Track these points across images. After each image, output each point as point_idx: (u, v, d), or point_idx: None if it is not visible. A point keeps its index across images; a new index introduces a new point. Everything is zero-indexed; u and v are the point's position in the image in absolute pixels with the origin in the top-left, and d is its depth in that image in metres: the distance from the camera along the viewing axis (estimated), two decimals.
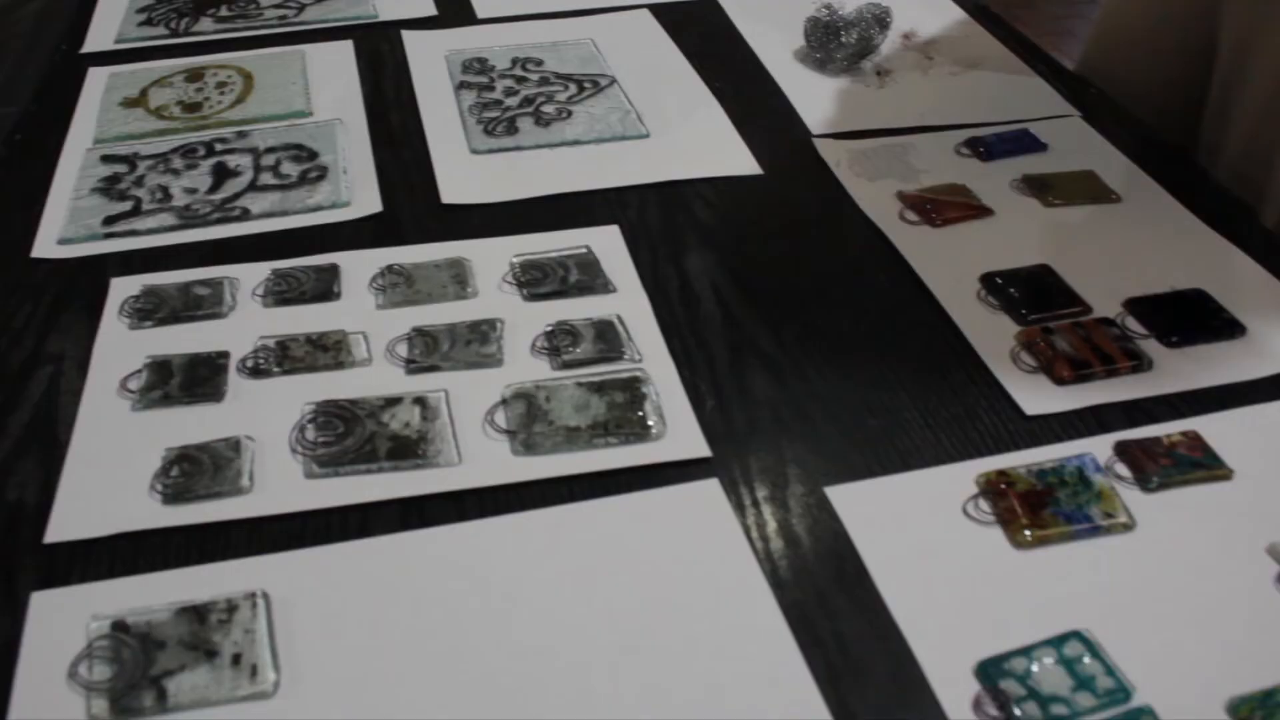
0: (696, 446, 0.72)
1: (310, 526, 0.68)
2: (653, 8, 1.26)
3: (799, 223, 0.93)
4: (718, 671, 0.59)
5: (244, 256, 0.89)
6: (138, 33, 1.25)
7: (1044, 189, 0.95)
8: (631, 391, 0.75)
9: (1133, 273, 0.86)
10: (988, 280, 0.85)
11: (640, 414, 0.73)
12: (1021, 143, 1.01)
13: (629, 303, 0.83)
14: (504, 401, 0.74)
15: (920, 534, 0.67)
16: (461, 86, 1.10)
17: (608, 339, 0.79)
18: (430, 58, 1.16)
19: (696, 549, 0.66)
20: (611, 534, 0.67)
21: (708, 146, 1.01)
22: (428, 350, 0.78)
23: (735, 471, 0.71)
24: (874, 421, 0.75)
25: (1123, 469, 0.70)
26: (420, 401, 0.74)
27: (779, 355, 0.80)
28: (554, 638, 0.61)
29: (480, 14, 1.25)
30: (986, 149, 1.01)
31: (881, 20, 1.14)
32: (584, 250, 0.87)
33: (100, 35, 1.26)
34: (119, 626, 0.62)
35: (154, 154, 1.02)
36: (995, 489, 0.68)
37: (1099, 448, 0.71)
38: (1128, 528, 0.66)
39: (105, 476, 0.71)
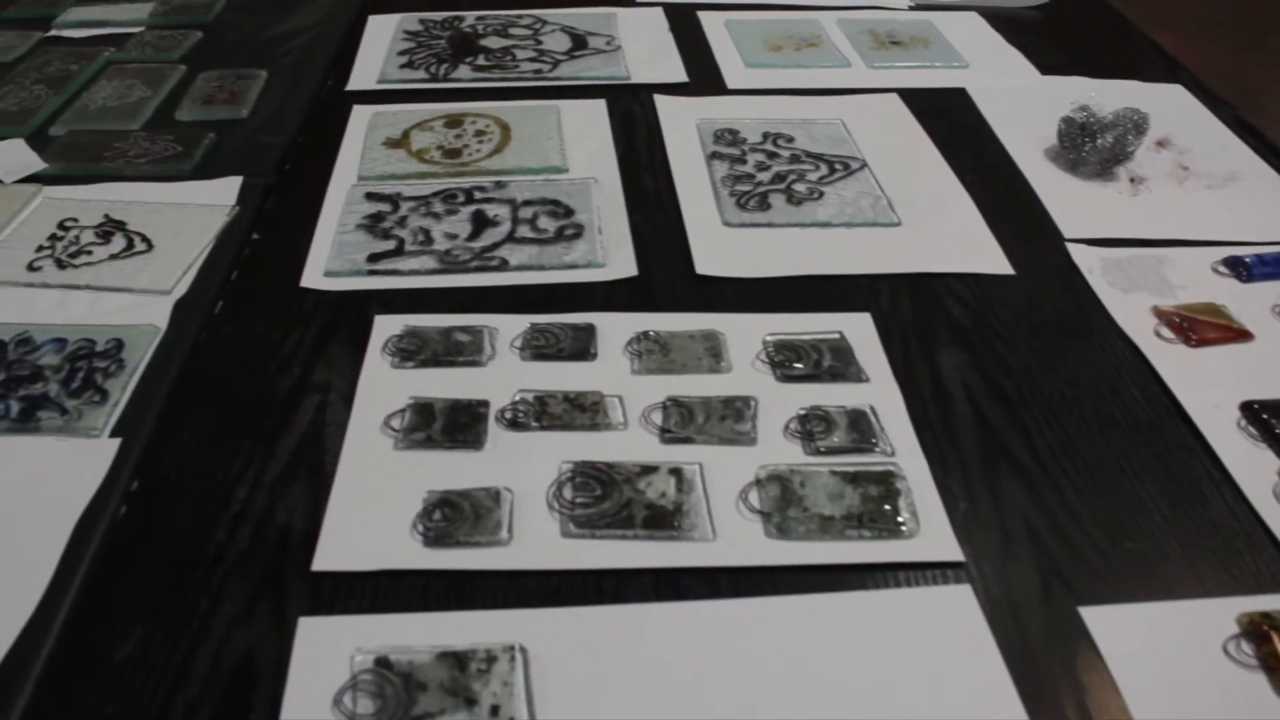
0: (949, 549, 0.72)
1: (566, 585, 0.69)
2: (902, 93, 1.25)
3: (1051, 327, 0.92)
4: None
5: (500, 306, 0.91)
6: (399, 74, 1.29)
7: None
8: (886, 486, 0.75)
9: None
10: (1248, 409, 0.83)
11: (894, 510, 0.73)
12: None
13: (881, 393, 0.83)
14: (758, 482, 0.75)
15: (1178, 667, 0.65)
16: (714, 157, 1.11)
17: (861, 429, 0.79)
18: (682, 124, 1.17)
19: (946, 654, 0.65)
20: (861, 628, 0.67)
21: (959, 241, 1.00)
22: (683, 421, 0.79)
23: (988, 579, 0.70)
24: (1130, 544, 0.73)
25: None
26: (676, 473, 0.75)
27: (1032, 464, 0.79)
28: None
29: (730, 84, 1.27)
30: (1245, 269, 0.98)
31: (1139, 126, 1.13)
32: (837, 336, 0.87)
33: (364, 74, 1.30)
34: (382, 663, 0.63)
35: (416, 196, 1.05)
36: (1259, 631, 0.66)
37: None
38: None
39: (368, 511, 0.73)
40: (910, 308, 0.92)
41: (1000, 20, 1.46)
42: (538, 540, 0.71)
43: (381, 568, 0.69)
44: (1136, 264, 0.99)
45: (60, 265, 0.99)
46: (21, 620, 0.68)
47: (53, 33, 1.48)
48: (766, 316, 0.90)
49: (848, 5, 1.49)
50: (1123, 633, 0.67)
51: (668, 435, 0.78)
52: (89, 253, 1.01)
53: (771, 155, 1.12)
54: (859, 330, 0.89)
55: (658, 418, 0.80)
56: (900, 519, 0.73)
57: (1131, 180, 1.12)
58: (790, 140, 1.14)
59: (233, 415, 0.82)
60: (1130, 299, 0.94)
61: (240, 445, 0.79)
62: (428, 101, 1.24)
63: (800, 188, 1.06)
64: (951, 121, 1.22)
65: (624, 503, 0.73)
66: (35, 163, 1.15)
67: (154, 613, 0.68)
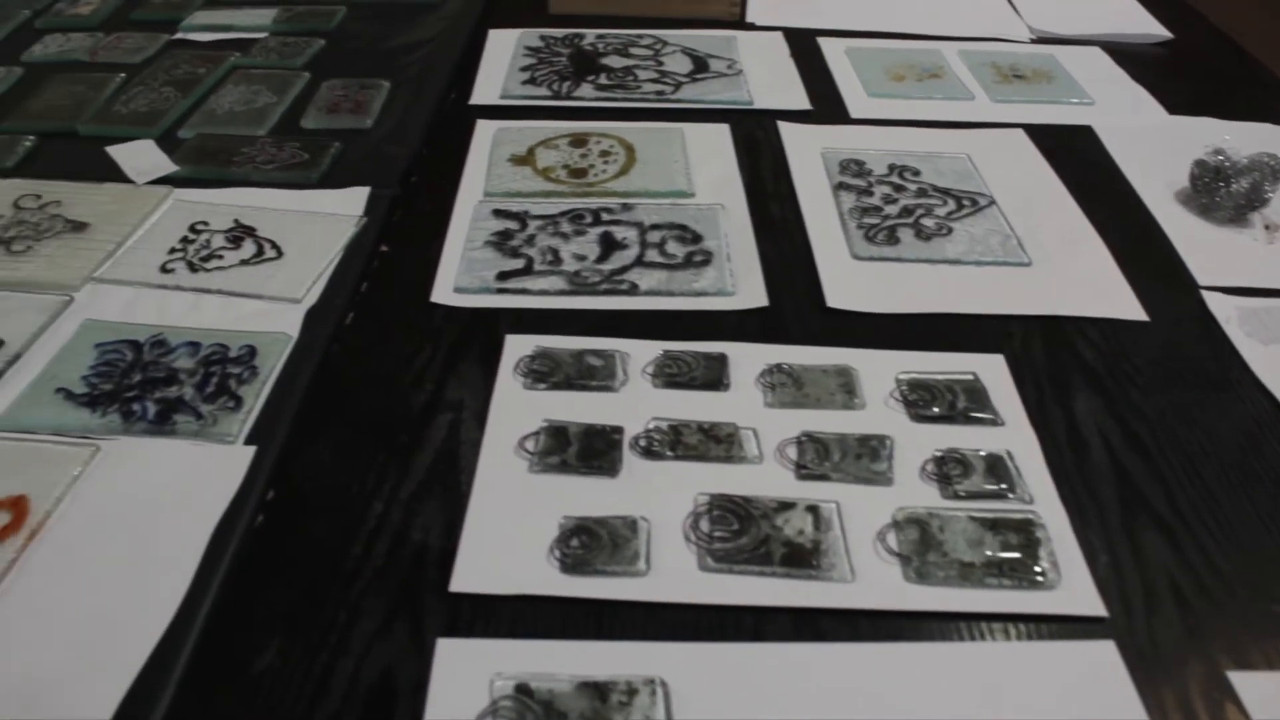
0: (1091, 604, 0.70)
1: (704, 620, 0.69)
2: (1026, 128, 1.24)
3: (1187, 377, 0.90)
4: None
5: (630, 331, 0.91)
6: (521, 90, 1.30)
7: None
8: (1026, 534, 0.74)
9: None
10: None
11: (1034, 559, 0.72)
12: None
13: (1017, 438, 0.82)
14: (896, 524, 0.74)
15: None
16: (840, 187, 1.10)
17: (998, 474, 0.78)
18: (807, 152, 1.17)
19: (1089, 712, 0.64)
20: (1002, 680, 0.66)
21: (1091, 284, 0.99)
22: (818, 458, 0.78)
23: (1131, 637, 0.68)
24: (1278, 608, 0.71)
25: None
26: (813, 510, 0.75)
27: (1173, 519, 0.77)
28: None
29: (853, 114, 1.26)
30: None
31: (1276, 172, 1.10)
32: (970, 377, 0.86)
33: (486, 89, 1.31)
34: (523, 690, 0.63)
35: (543, 215, 1.05)
36: None
37: None
38: None
39: (504, 534, 0.73)
40: (1042, 351, 0.91)
41: (1124, 56, 1.44)
42: (675, 572, 0.70)
43: (519, 592, 0.69)
44: (1275, 315, 0.97)
45: (192, 268, 1.00)
46: (161, 626, 0.68)
47: (179, 35, 1.50)
48: (898, 354, 0.89)
49: (968, 36, 1.46)
50: (1275, 701, 0.65)
51: (803, 471, 0.78)
52: (220, 257, 1.02)
53: (898, 188, 1.11)
54: (992, 372, 0.87)
55: (792, 453, 0.79)
56: (1041, 569, 0.71)
57: (1266, 227, 1.10)
58: (916, 173, 1.13)
59: (366, 428, 0.82)
60: (1270, 351, 0.92)
61: (374, 459, 0.79)
62: (549, 118, 1.24)
63: (929, 223, 1.05)
64: (1078, 159, 1.20)
65: (762, 538, 0.72)
66: (166, 165, 1.16)
67: (292, 624, 0.68)
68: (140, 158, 1.19)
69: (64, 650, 0.67)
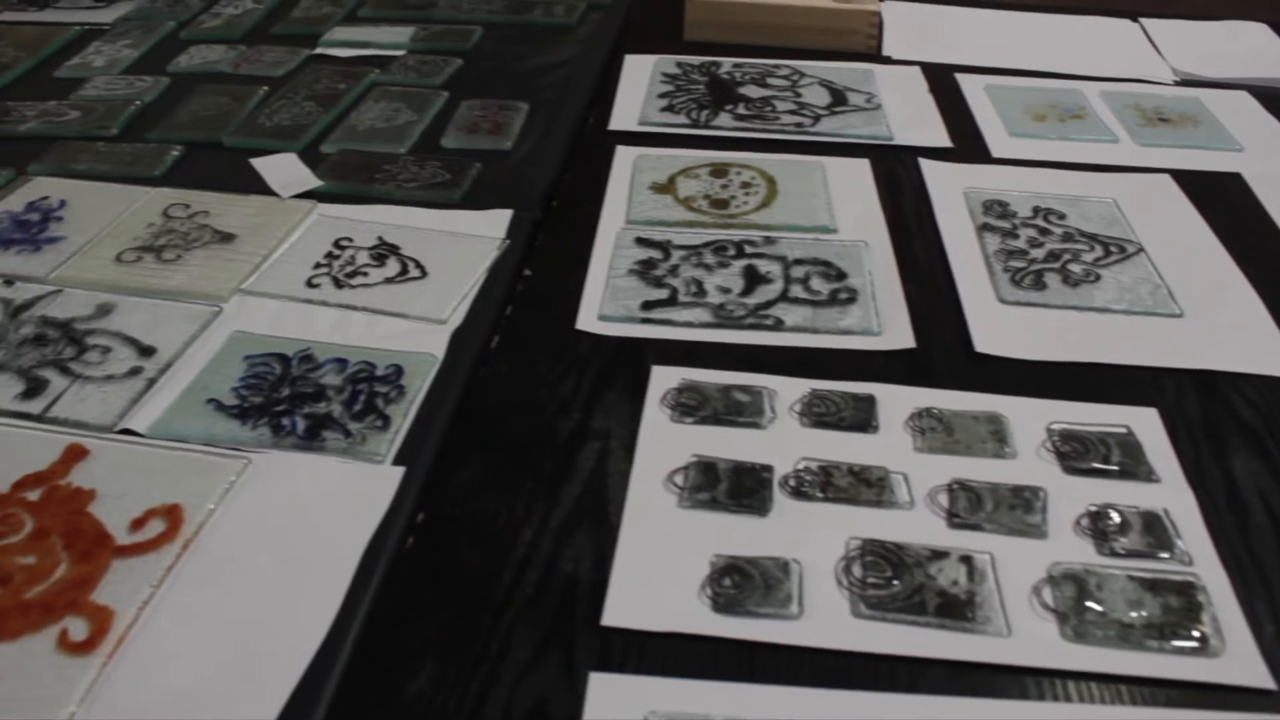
0: (1258, 675, 0.68)
1: (857, 667, 0.68)
2: (1174, 174, 1.21)
3: None
4: None
5: (775, 367, 0.90)
6: (660, 118, 1.30)
7: None
8: (1187, 597, 0.72)
9: None
10: None
11: (1197, 624, 0.70)
12: None
13: (1173, 496, 0.80)
14: (1052, 579, 0.72)
15: None
16: (984, 229, 1.09)
17: (1156, 533, 0.76)
18: (949, 191, 1.16)
19: None
20: None
21: (1245, 338, 0.97)
22: (971, 507, 0.77)
23: None
24: None
25: None
26: (967, 561, 0.73)
27: None
28: None
29: (995, 153, 1.24)
30: None
31: None
32: (1124, 430, 0.85)
33: (624, 115, 1.32)
34: None
35: (686, 245, 1.05)
36: None
37: None
38: None
39: (655, 569, 0.73)
40: (1197, 406, 0.89)
41: (1272, 100, 1.41)
42: (828, 617, 0.70)
43: (671, 629, 0.69)
44: None
45: (337, 284, 1.01)
46: (315, 642, 0.69)
47: (318, 50, 1.52)
48: (1049, 403, 0.87)
49: (1110, 76, 1.44)
50: None
51: (955, 520, 0.76)
52: (364, 274, 1.03)
53: (1044, 231, 1.09)
54: (1146, 426, 0.86)
55: (944, 500, 0.78)
56: (1203, 635, 0.69)
57: None
58: (1062, 217, 1.12)
59: (513, 454, 0.82)
60: None
61: (522, 487, 0.79)
62: (686, 147, 1.24)
63: (1076, 268, 1.03)
64: (1228, 208, 1.18)
65: (915, 587, 0.71)
66: (310, 179, 1.18)
67: (443, 650, 0.68)
68: (284, 171, 1.20)
69: (218, 662, 0.68)
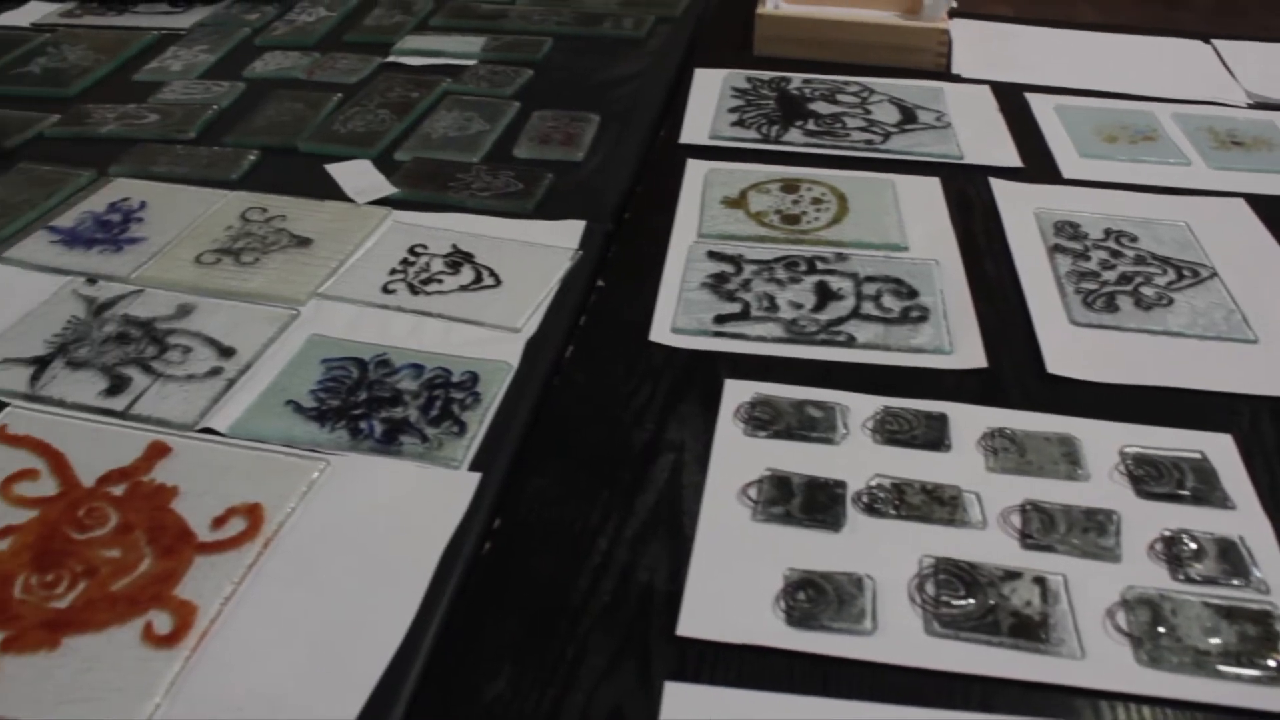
0: None
1: (930, 685, 0.68)
2: (1248, 198, 1.21)
3: None
4: None
5: (847, 383, 0.91)
6: (730, 132, 1.31)
7: None
8: (1264, 627, 0.72)
9: None
10: None
11: (1274, 654, 0.70)
12: None
13: (1249, 524, 0.80)
14: (1126, 603, 0.72)
15: None
16: (1056, 249, 1.09)
17: (1232, 560, 0.76)
18: (1020, 211, 1.16)
19: None
20: None
21: None
22: (1044, 529, 0.77)
23: None
24: None
25: None
26: (1040, 582, 0.74)
27: None
28: None
29: (1065, 174, 1.24)
30: None
31: None
32: (1198, 456, 0.84)
33: (695, 128, 1.32)
34: None
35: (758, 260, 1.06)
36: None
37: None
38: None
39: (730, 581, 0.74)
40: (1273, 434, 0.89)
41: None
42: (901, 634, 0.70)
43: (746, 641, 0.69)
44: None
45: (413, 290, 1.03)
46: (394, 643, 0.70)
47: (391, 59, 1.54)
48: (1122, 426, 0.87)
49: (1182, 98, 1.43)
50: None
51: (1028, 541, 0.77)
52: (439, 281, 1.04)
53: (1115, 254, 1.09)
54: (1221, 452, 0.85)
55: (1016, 521, 0.78)
56: None
57: None
58: (1134, 239, 1.11)
59: (587, 463, 0.83)
60: None
61: (598, 496, 0.80)
62: (757, 162, 1.25)
63: (1148, 292, 1.03)
64: None
65: (989, 607, 0.71)
66: (385, 186, 1.20)
67: (520, 654, 0.69)
68: (359, 177, 1.22)
69: (297, 661, 0.69)
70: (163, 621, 0.72)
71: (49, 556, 0.77)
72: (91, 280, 1.05)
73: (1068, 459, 0.84)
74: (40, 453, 0.85)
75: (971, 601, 0.72)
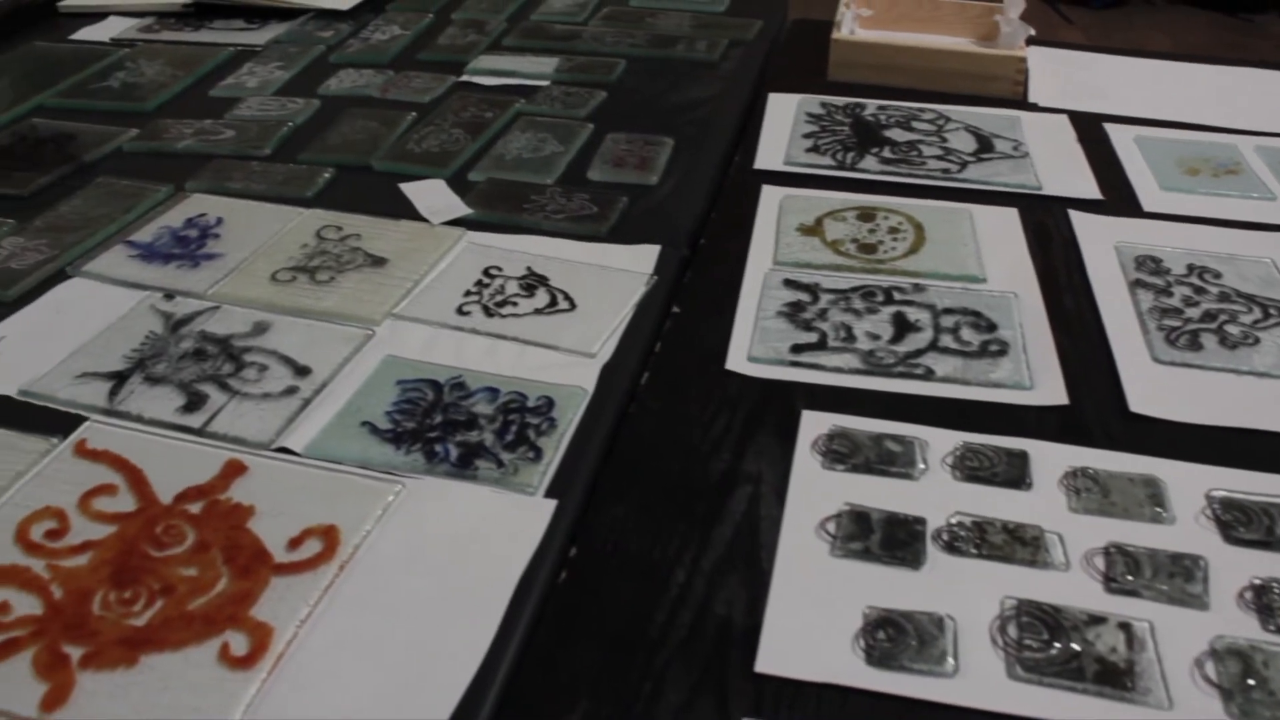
0: None
1: None
2: None
3: None
4: None
5: (924, 417, 0.90)
6: (805, 158, 1.30)
7: None
8: None
9: None
10: None
11: None
12: None
13: None
14: (1215, 653, 0.71)
15: None
16: (1137, 284, 1.07)
17: None
18: (1100, 245, 1.14)
19: None
20: None
21: None
22: (1129, 573, 0.76)
23: None
24: None
25: None
26: (1125, 628, 0.72)
27: None
28: None
29: (1146, 207, 1.22)
30: None
31: None
32: None
33: (769, 154, 1.32)
34: None
35: (834, 289, 1.05)
36: None
37: None
38: None
39: (808, 617, 0.73)
40: None
41: None
42: (983, 677, 0.69)
43: (825, 680, 0.69)
44: None
45: (487, 313, 1.03)
46: (470, 670, 0.70)
47: (464, 78, 1.54)
48: (1210, 469, 0.86)
49: (1266, 131, 1.41)
50: None
51: (1113, 585, 0.75)
52: (514, 304, 1.04)
53: (1199, 290, 1.07)
54: None
55: (1100, 563, 0.77)
56: None
57: None
58: (1217, 275, 1.09)
59: (665, 494, 0.83)
60: None
61: (675, 527, 0.80)
62: (831, 189, 1.24)
63: (1233, 330, 1.01)
64: None
65: (1073, 652, 0.70)
66: (460, 207, 1.20)
67: (597, 687, 0.69)
68: (433, 197, 1.22)
69: (373, 687, 0.69)
70: (239, 642, 0.72)
71: (127, 573, 0.77)
72: (169, 296, 1.06)
73: (1152, 501, 0.82)
74: (119, 468, 0.86)
75: (1056, 646, 0.70)
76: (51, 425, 0.89)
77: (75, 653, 0.72)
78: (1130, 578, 0.76)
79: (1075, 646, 0.71)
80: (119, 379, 0.95)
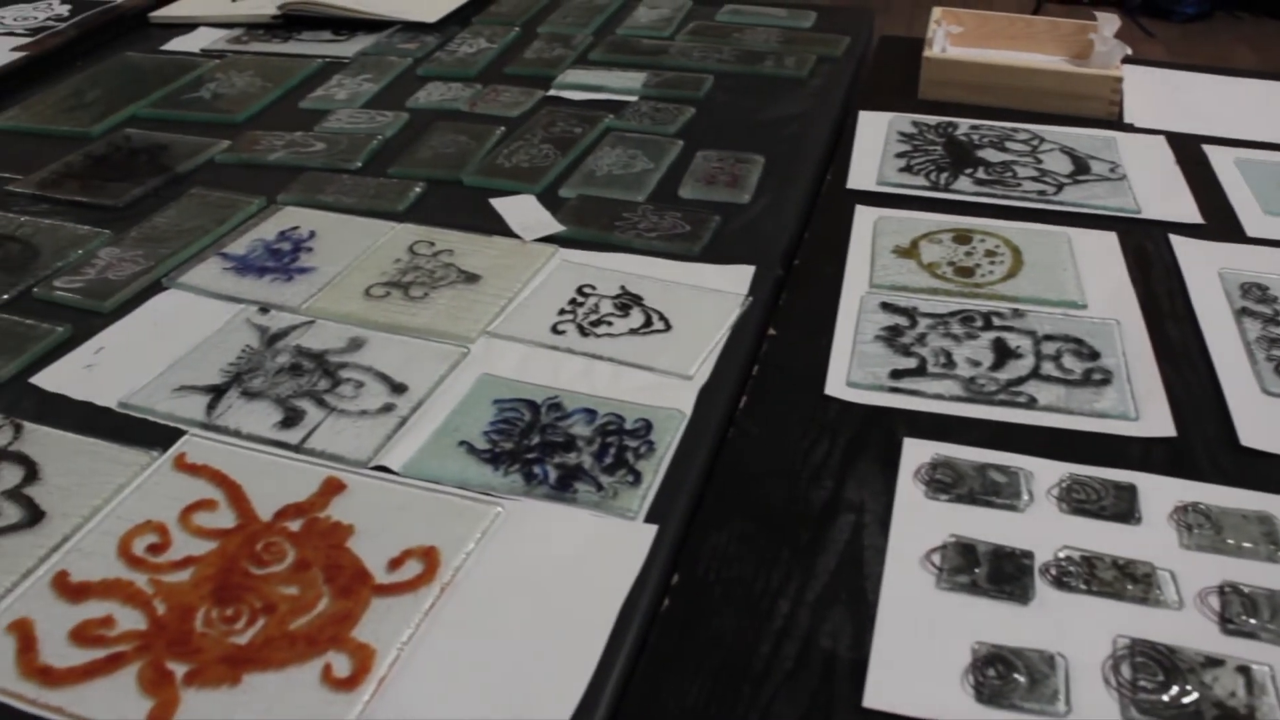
0: None
1: None
2: None
3: None
4: None
5: (1027, 447, 0.88)
6: (898, 178, 1.29)
7: None
8: None
9: None
10: None
11: None
12: None
13: None
14: None
15: None
16: (1243, 313, 1.05)
17: None
18: (1203, 271, 1.12)
19: None
20: None
21: None
22: (1246, 614, 0.74)
23: None
24: None
25: None
26: (1244, 671, 0.70)
27: None
28: None
29: (1250, 232, 1.20)
30: None
31: None
32: None
33: (861, 173, 1.30)
34: None
35: (933, 314, 1.03)
36: None
37: None
38: None
39: (915, 652, 0.72)
40: None
41: None
42: (1097, 718, 0.67)
43: (935, 717, 0.67)
44: None
45: (582, 332, 1.02)
46: (574, 699, 0.69)
47: (552, 92, 1.54)
48: None
49: None
50: None
51: (1229, 626, 0.73)
52: (609, 323, 1.04)
53: None
54: None
55: (1215, 603, 0.75)
56: None
57: None
58: None
59: (767, 521, 0.82)
60: None
61: (778, 555, 0.79)
62: (924, 209, 1.22)
63: None
64: None
65: (1191, 695, 0.68)
66: (552, 224, 1.20)
67: (703, 719, 0.68)
68: (525, 213, 1.22)
69: (476, 713, 0.69)
70: (341, 664, 0.72)
71: (229, 590, 0.77)
72: (264, 309, 1.07)
73: (1268, 539, 0.80)
74: (218, 483, 0.86)
75: (1174, 688, 0.69)
76: (151, 438, 0.90)
77: (179, 669, 0.72)
78: (1248, 619, 0.74)
79: (1192, 689, 0.69)
80: (216, 393, 0.95)
